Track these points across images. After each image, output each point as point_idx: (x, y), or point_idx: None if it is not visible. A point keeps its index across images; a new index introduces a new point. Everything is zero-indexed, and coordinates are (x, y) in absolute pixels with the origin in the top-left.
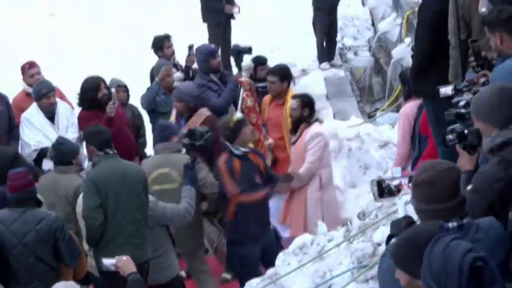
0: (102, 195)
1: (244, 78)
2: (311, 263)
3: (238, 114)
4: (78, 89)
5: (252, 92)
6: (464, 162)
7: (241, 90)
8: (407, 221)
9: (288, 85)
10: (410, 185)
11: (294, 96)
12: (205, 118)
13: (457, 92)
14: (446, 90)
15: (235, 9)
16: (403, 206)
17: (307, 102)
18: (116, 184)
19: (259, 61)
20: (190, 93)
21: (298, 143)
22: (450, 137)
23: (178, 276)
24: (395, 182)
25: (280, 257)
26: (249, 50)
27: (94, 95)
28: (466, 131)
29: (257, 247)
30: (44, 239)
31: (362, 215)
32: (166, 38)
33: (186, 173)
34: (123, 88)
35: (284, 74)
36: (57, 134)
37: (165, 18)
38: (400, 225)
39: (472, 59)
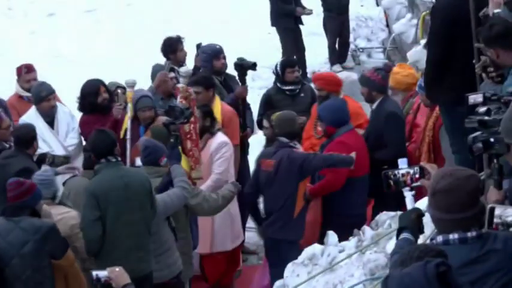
0: (102, 207)
1: (181, 84)
2: (321, 274)
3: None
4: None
5: (189, 100)
6: (493, 195)
7: (178, 97)
8: (417, 213)
9: (213, 94)
10: (417, 176)
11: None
12: None
13: (486, 100)
14: (476, 97)
15: (307, 11)
16: (411, 198)
17: (207, 112)
18: (117, 196)
19: (288, 63)
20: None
21: (203, 154)
22: (479, 145)
23: (180, 273)
24: (403, 172)
25: (289, 268)
26: (253, 66)
27: (94, 100)
28: (492, 139)
29: None
30: (42, 248)
31: (375, 225)
32: (179, 40)
33: (171, 153)
34: (122, 90)
35: (208, 83)
36: (57, 140)
37: (174, 21)
38: (410, 218)
39: (491, 69)
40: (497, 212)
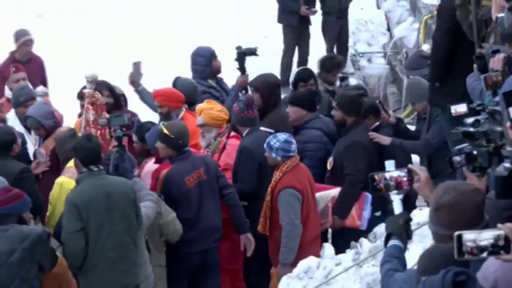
0: (84, 218)
1: (87, 90)
2: None
3: None
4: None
5: (96, 106)
6: None
7: (85, 103)
8: (404, 218)
9: None
10: (405, 179)
11: None
12: None
13: (471, 111)
14: (459, 108)
15: (311, 12)
16: (399, 202)
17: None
18: (99, 207)
19: (301, 77)
20: (47, 115)
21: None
22: (458, 158)
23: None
24: (391, 175)
25: (284, 282)
26: (254, 52)
27: None
28: (475, 152)
29: None
30: (30, 257)
31: (373, 237)
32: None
33: (125, 166)
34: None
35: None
36: (33, 144)
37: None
38: (397, 223)
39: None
40: (471, 236)
